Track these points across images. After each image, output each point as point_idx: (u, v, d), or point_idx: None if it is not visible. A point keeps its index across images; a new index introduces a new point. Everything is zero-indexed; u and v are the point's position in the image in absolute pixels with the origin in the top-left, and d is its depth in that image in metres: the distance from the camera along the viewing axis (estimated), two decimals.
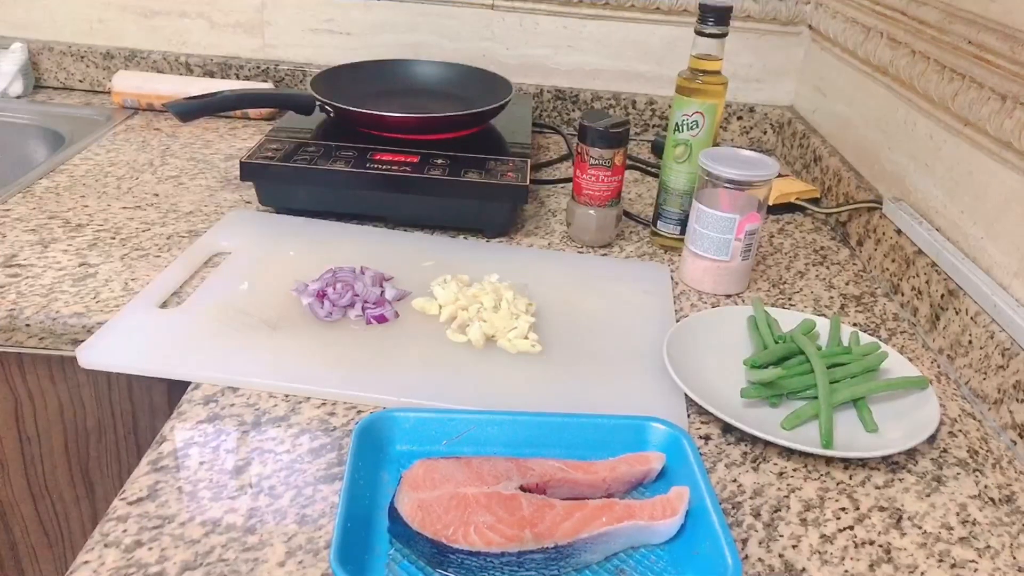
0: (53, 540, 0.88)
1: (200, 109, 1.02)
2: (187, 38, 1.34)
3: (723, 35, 0.90)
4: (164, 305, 0.78)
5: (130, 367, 0.69)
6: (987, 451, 0.69)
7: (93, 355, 0.69)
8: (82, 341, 0.74)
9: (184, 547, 0.53)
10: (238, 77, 1.35)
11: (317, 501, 0.57)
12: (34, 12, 1.33)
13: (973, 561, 0.58)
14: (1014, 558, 0.58)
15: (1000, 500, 0.64)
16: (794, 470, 0.65)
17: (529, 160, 1.00)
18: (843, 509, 0.61)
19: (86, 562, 0.51)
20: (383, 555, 0.52)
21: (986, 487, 0.65)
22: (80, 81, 1.36)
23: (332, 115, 1.04)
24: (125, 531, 0.54)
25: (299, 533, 0.55)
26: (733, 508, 0.60)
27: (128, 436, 0.82)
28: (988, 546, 0.59)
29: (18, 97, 1.30)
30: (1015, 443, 0.69)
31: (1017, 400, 0.69)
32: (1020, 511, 0.63)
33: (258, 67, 1.34)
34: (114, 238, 0.89)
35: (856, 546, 0.58)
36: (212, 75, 1.35)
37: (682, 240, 0.95)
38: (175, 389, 0.78)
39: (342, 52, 1.34)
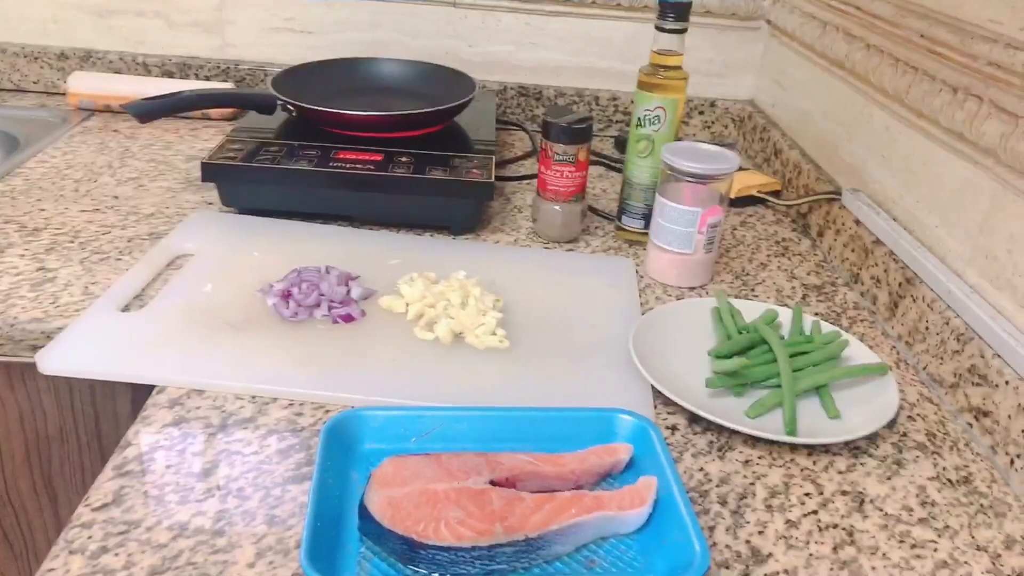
0: (17, 551, 0.86)
1: (159, 110, 1.01)
2: (144, 38, 1.32)
3: (683, 31, 0.91)
4: (126, 308, 0.77)
5: (92, 372, 0.68)
6: (944, 434, 0.71)
7: (53, 360, 0.68)
8: (41, 347, 0.72)
9: (151, 552, 0.52)
10: (198, 77, 1.33)
11: (286, 501, 0.57)
12: None
13: (933, 541, 0.59)
14: (972, 537, 0.60)
15: (957, 481, 0.65)
16: (759, 458, 0.66)
17: (494, 157, 1.00)
18: (807, 494, 0.62)
19: (51, 570, 0.51)
20: (354, 553, 0.52)
21: (944, 469, 0.67)
22: (34, 83, 1.33)
23: (294, 114, 1.04)
24: (90, 537, 0.53)
25: (269, 534, 0.54)
26: (700, 496, 0.61)
27: (91, 442, 0.81)
28: (947, 526, 0.61)
29: None
30: (971, 425, 0.71)
31: (972, 384, 0.71)
32: (977, 491, 0.64)
33: (218, 67, 1.33)
34: (72, 242, 0.88)
35: (820, 530, 0.59)
36: (171, 75, 1.33)
37: (646, 234, 0.95)
38: (139, 393, 0.77)
39: (303, 51, 1.33)
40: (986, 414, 0.69)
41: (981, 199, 0.75)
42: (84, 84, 1.25)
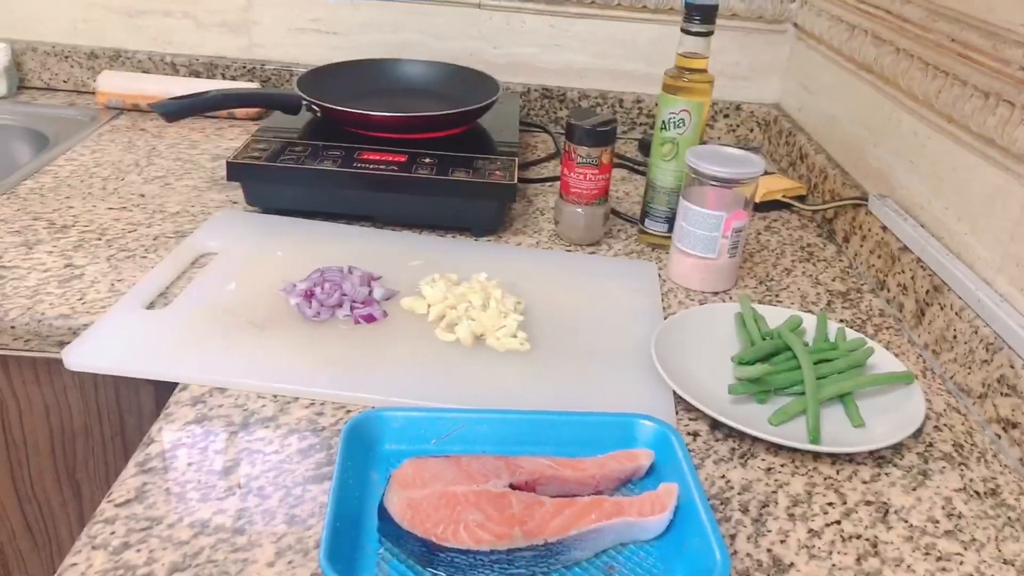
0: (40, 544, 0.87)
1: (186, 109, 1.02)
2: (172, 38, 1.34)
3: (709, 33, 0.90)
4: (151, 306, 0.77)
5: (117, 368, 0.68)
6: (972, 445, 0.70)
7: (79, 357, 0.69)
8: (68, 343, 0.73)
9: (172, 548, 0.53)
10: (224, 77, 1.34)
11: (306, 501, 0.57)
12: (17, 12, 1.32)
13: (959, 554, 0.58)
14: (999, 551, 0.59)
15: (985, 493, 0.64)
16: (782, 465, 0.65)
17: (517, 159, 1.00)
18: (830, 504, 0.62)
19: (74, 564, 0.51)
20: (373, 554, 0.52)
21: (971, 480, 0.66)
22: (64, 81, 1.35)
23: (319, 115, 1.04)
24: (113, 533, 0.53)
25: (288, 533, 0.55)
26: (721, 504, 0.61)
27: (115, 438, 0.82)
28: (973, 539, 0.60)
29: (1, 98, 1.29)
30: (999, 437, 0.70)
31: (1001, 394, 0.70)
32: (1005, 504, 0.63)
33: (244, 67, 1.34)
34: (100, 239, 0.89)
35: (843, 540, 0.58)
36: (198, 75, 1.34)
37: (670, 238, 0.95)
38: (162, 390, 0.78)
39: (329, 51, 1.33)
40: (1015, 425, 0.68)
41: (1012, 206, 0.74)
42: (113, 83, 1.27)
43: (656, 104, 1.11)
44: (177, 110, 1.01)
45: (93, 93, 1.33)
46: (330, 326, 0.76)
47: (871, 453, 0.67)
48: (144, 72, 1.34)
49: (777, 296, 0.91)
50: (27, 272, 0.81)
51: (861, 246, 0.99)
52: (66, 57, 1.33)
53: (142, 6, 1.31)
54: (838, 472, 0.65)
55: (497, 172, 0.95)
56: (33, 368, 0.78)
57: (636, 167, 1.24)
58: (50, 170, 1.06)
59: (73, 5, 1.31)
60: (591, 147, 0.92)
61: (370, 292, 0.80)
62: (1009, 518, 0.62)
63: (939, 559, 0.58)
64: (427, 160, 0.97)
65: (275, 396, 0.68)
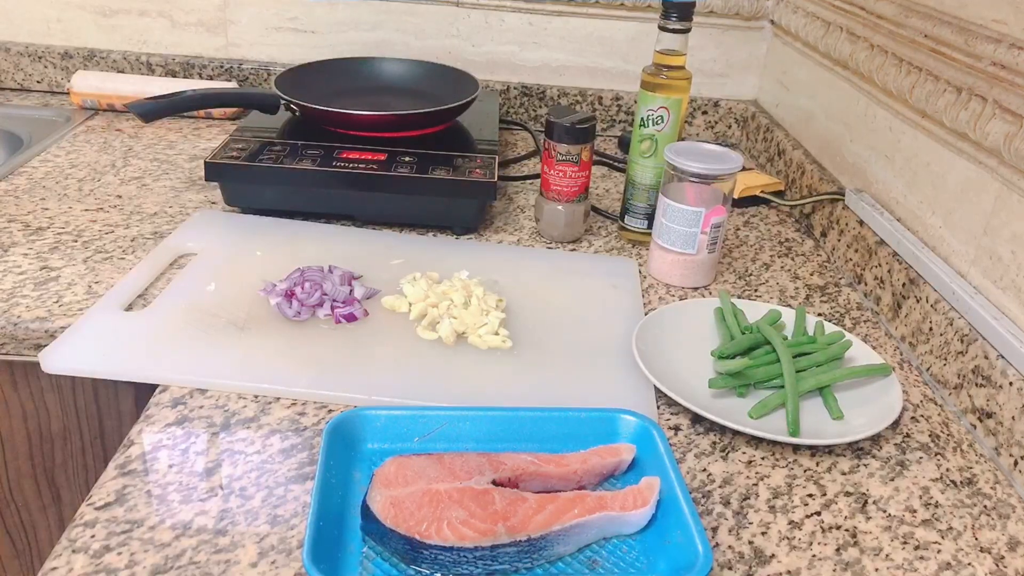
0: (20, 549, 0.86)
1: (163, 109, 1.01)
2: (148, 37, 1.32)
3: (686, 30, 0.91)
4: (129, 308, 0.77)
5: (95, 371, 0.68)
6: (948, 435, 0.71)
7: (57, 360, 0.68)
8: (45, 346, 0.72)
9: (154, 551, 0.52)
10: (201, 76, 1.33)
11: (289, 501, 0.57)
12: None
13: (936, 543, 0.59)
14: (976, 539, 0.60)
15: (961, 483, 0.65)
16: (762, 458, 0.66)
17: (497, 157, 1.00)
18: (810, 495, 0.62)
19: (54, 568, 0.51)
20: (356, 553, 0.52)
21: (948, 470, 0.66)
22: (38, 82, 1.34)
23: (297, 114, 1.04)
24: (93, 536, 0.53)
25: (271, 533, 0.54)
26: (703, 497, 0.61)
27: (95, 441, 0.81)
28: (950, 528, 0.61)
29: None
30: (975, 427, 0.71)
31: (976, 385, 0.71)
32: (980, 493, 0.64)
33: (221, 66, 1.33)
34: (76, 241, 0.88)
35: (823, 531, 0.59)
36: (174, 75, 1.33)
37: (649, 234, 0.95)
38: (142, 392, 0.77)
39: (306, 50, 1.33)
40: (990, 415, 0.69)
41: (985, 200, 0.75)
42: (88, 83, 1.25)
43: (635, 101, 1.11)
44: (153, 110, 1.00)
45: (68, 94, 1.32)
46: (311, 326, 0.76)
47: (850, 445, 0.68)
48: (119, 72, 1.32)
49: (756, 291, 0.92)
50: (2, 275, 0.80)
51: (838, 240, 1.00)
52: (40, 57, 1.32)
53: (116, 5, 1.30)
54: (817, 464, 0.66)
55: (477, 170, 0.96)
56: (10, 371, 0.77)
57: (615, 164, 1.24)
58: (24, 171, 1.04)
59: (46, 4, 1.30)
60: (571, 144, 0.92)
61: (351, 291, 0.80)
62: (985, 506, 0.63)
63: (917, 548, 0.58)
64: (407, 159, 0.97)
65: (256, 397, 0.67)
